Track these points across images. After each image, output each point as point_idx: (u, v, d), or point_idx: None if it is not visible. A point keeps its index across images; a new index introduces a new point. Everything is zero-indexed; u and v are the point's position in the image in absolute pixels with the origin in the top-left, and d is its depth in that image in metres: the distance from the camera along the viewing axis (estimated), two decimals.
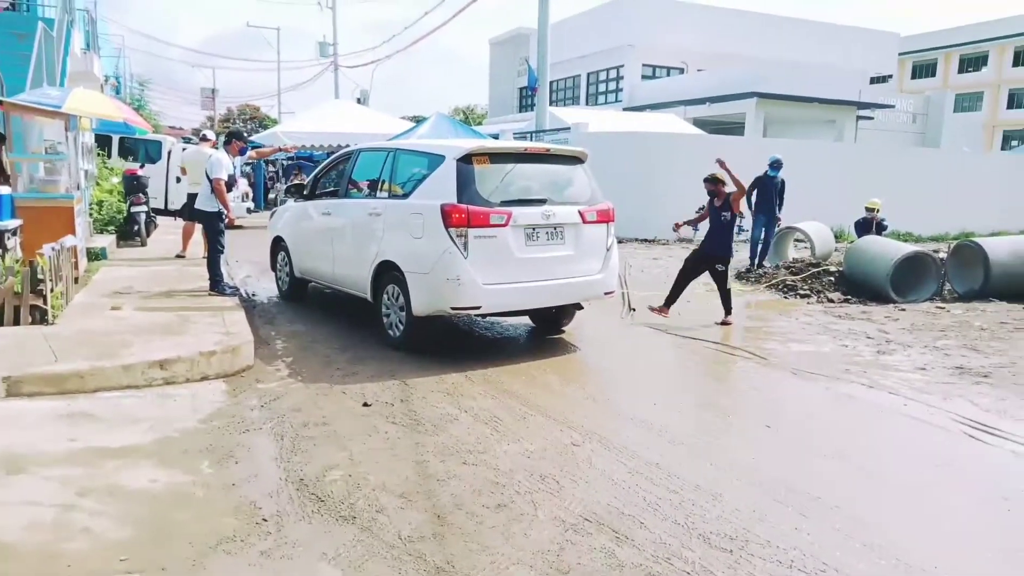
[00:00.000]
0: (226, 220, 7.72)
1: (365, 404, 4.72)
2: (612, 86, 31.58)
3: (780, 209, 11.40)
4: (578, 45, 31.72)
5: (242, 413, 4.53)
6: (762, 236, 11.37)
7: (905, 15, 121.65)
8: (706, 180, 8.22)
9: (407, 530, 3.11)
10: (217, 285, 7.59)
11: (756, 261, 11.37)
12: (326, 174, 7.97)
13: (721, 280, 7.82)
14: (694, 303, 8.98)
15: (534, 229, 5.92)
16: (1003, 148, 44.40)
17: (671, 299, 7.87)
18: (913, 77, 56.31)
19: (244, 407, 4.66)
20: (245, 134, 7.93)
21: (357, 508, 3.30)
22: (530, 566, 2.85)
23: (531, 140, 18.20)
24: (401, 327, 6.10)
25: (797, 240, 12.61)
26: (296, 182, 10.61)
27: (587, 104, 31.60)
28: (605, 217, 6.48)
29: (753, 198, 11.32)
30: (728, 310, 7.82)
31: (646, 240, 15.39)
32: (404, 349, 6.08)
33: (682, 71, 30.65)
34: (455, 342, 6.79)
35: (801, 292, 9.57)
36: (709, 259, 7.89)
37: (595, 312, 8.00)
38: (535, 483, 3.62)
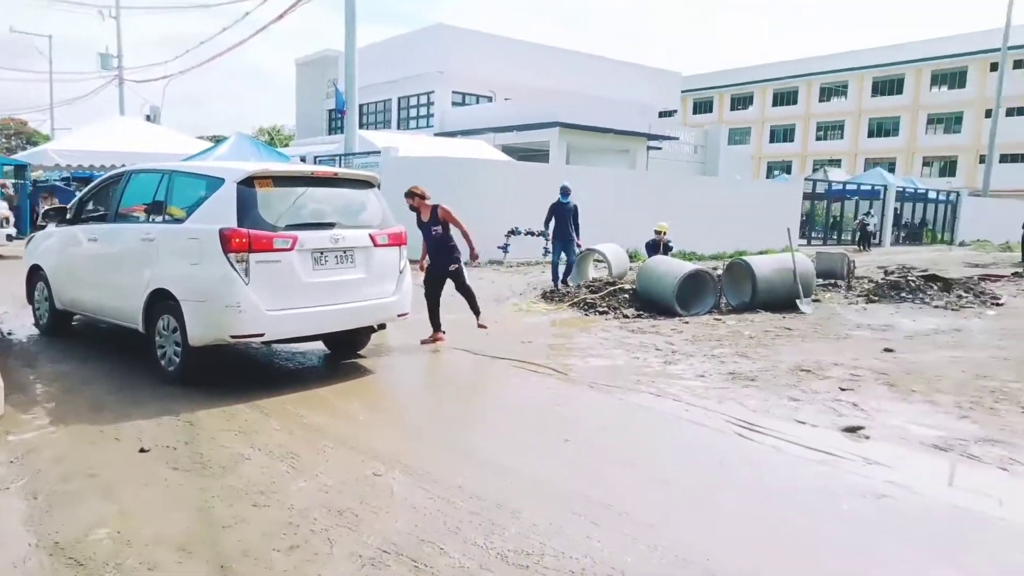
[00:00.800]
0: None
1: (142, 450, 4.27)
2: (423, 111, 31.90)
3: (577, 232, 12.03)
4: (389, 69, 31.74)
5: None
6: (562, 259, 11.96)
7: (687, 57, 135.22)
8: (406, 195, 8.19)
9: None
10: None
11: (560, 281, 11.92)
12: (93, 197, 7.24)
13: (459, 286, 8.18)
14: (503, 323, 9.22)
15: (322, 253, 5.87)
16: (768, 176, 50.66)
17: (434, 323, 7.95)
18: (694, 112, 62.78)
19: None
20: None
21: (125, 568, 2.96)
22: None
23: (340, 163, 17.84)
24: (178, 360, 5.73)
25: (596, 260, 13.41)
26: (54, 206, 9.49)
27: (399, 128, 31.64)
28: (397, 240, 6.59)
29: (551, 225, 11.92)
30: (476, 312, 8.33)
31: None
32: (183, 383, 5.68)
33: (490, 99, 31.71)
34: (247, 373, 6.40)
35: (600, 309, 10.16)
36: (441, 275, 8.09)
37: (399, 336, 7.93)
38: (332, 519, 3.46)
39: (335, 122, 34.96)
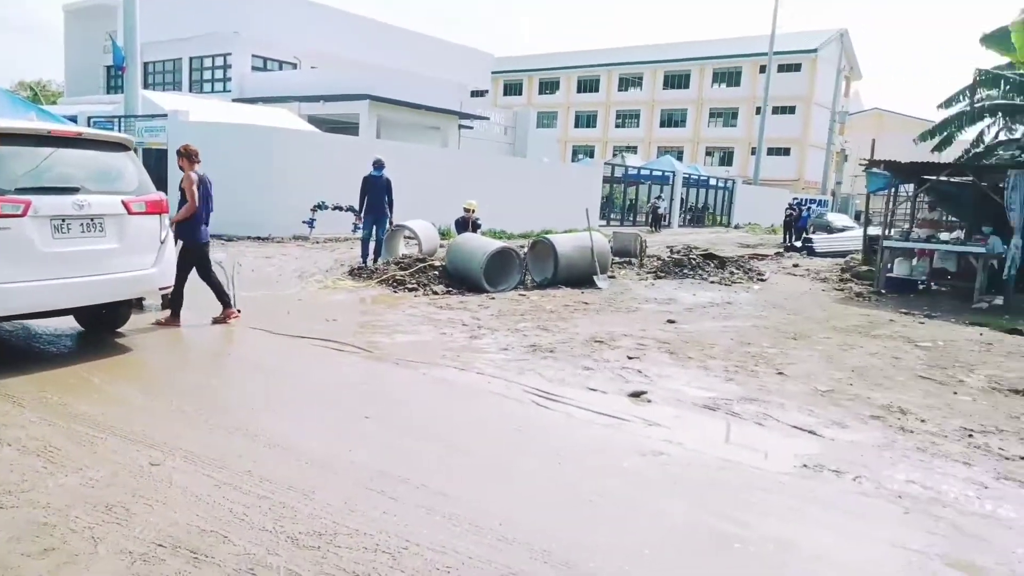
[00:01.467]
0: None
1: None
2: (220, 74, 29.55)
3: (390, 208, 11.84)
4: (179, 25, 29.01)
5: None
6: (373, 234, 11.71)
7: (499, 39, 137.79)
8: (177, 152, 7.27)
9: None
10: None
11: (373, 258, 11.66)
12: None
13: (200, 271, 7.21)
14: (306, 301, 8.86)
15: (64, 220, 5.36)
16: (573, 160, 53.23)
17: (221, 299, 7.29)
18: (505, 94, 64.18)
19: None
20: None
21: None
22: None
23: (120, 125, 16.08)
24: None
25: (407, 237, 13.31)
26: None
27: (191, 91, 29.06)
28: (157, 208, 6.13)
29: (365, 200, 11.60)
30: (223, 303, 7.31)
31: (260, 238, 14.74)
32: None
33: (295, 67, 30.12)
34: None
35: (409, 286, 10.11)
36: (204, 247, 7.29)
37: (193, 315, 7.35)
38: (98, 516, 3.13)
39: (114, 80, 31.28)
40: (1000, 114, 16.87)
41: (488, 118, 32.76)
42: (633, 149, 54.70)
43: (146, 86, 28.44)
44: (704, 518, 3.49)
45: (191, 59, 30.35)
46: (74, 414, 4.36)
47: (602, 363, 6.37)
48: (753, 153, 45.86)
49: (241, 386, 5.37)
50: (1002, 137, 17.62)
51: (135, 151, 6.28)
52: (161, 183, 15.53)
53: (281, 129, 17.25)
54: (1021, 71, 15.62)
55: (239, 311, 7.49)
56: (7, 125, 5.63)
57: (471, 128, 31.17)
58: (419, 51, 33.88)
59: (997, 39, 15.45)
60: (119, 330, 6.59)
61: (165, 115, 15.60)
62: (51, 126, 6.19)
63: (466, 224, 12.87)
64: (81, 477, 3.50)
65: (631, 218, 31.89)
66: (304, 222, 15.15)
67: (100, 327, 6.58)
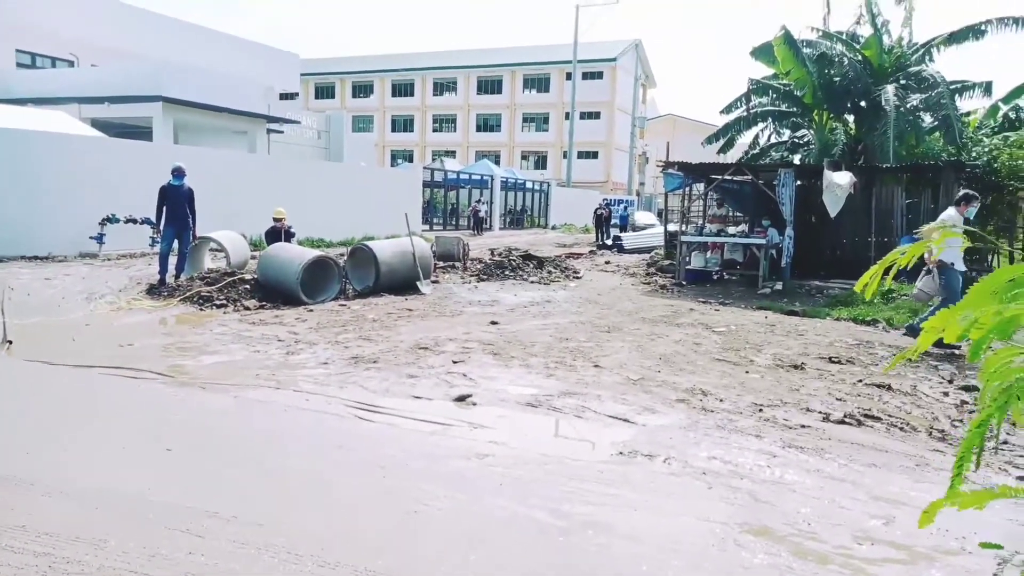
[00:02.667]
0: None
1: None
2: None
3: (193, 220, 10.93)
4: None
5: None
6: (174, 248, 10.76)
7: (305, 39, 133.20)
8: None
9: None
10: None
11: (175, 274, 10.68)
12: None
13: None
14: (95, 325, 7.97)
15: None
16: (392, 164, 52.75)
17: None
18: (316, 97, 62.24)
19: None
20: None
21: None
22: None
23: None
24: None
25: (213, 250, 12.42)
26: None
27: None
28: None
29: (163, 211, 10.61)
30: None
31: (37, 257, 13.00)
32: None
33: (72, 64, 27.05)
34: None
35: (217, 302, 9.42)
36: None
37: None
38: None
39: None
40: (770, 119, 19.03)
41: (299, 122, 31.47)
42: (452, 153, 55.37)
43: None
44: (528, 513, 3.55)
45: None
46: None
47: (427, 370, 6.32)
48: (565, 156, 48.15)
49: (14, 428, 4.68)
50: (774, 139, 19.90)
51: None
52: None
53: (55, 134, 15.36)
54: (784, 81, 17.69)
55: (10, 341, 6.55)
56: None
57: (281, 132, 29.78)
58: (219, 50, 31.80)
59: (764, 52, 17.37)
60: None
61: None
62: None
63: (278, 234, 12.22)
64: None
65: (453, 222, 32.19)
66: (92, 237, 13.61)
67: None
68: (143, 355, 6.68)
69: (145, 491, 3.65)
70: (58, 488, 3.64)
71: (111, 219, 13.80)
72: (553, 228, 36.67)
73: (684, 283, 13.37)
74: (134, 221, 13.90)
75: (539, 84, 57.36)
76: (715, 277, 14.03)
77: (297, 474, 4.01)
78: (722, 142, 19.25)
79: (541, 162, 57.50)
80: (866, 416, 5.25)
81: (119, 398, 5.43)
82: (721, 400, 5.63)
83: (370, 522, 3.43)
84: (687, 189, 15.97)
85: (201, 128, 25.48)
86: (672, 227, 17.53)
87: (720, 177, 14.77)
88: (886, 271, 1.87)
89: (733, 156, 19.20)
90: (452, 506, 3.62)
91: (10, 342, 6.81)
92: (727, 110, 19.17)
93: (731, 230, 14.68)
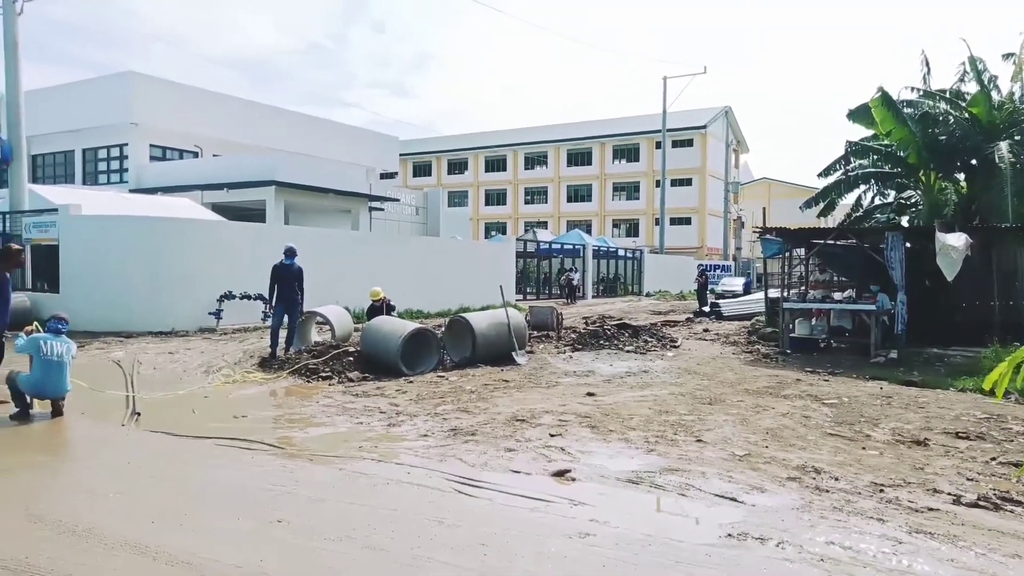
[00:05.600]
0: None
1: None
2: (116, 165, 28.66)
3: (301, 296, 11.52)
4: (70, 118, 28.15)
5: None
6: (284, 323, 11.33)
7: (403, 122, 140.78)
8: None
9: None
10: None
11: (284, 348, 11.22)
12: None
13: None
14: (213, 398, 8.43)
15: None
16: (486, 236, 54.09)
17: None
18: (414, 175, 65.24)
19: None
20: None
21: None
22: None
23: (5, 222, 15.25)
24: None
25: (319, 323, 12.99)
26: None
27: (85, 183, 28.00)
28: None
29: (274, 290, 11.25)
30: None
31: (162, 333, 14.01)
32: None
33: (197, 155, 29.61)
34: None
35: (323, 375, 9.80)
36: None
37: (92, 421, 6.86)
38: None
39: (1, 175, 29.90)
40: (873, 180, 18.39)
41: (398, 199, 33.02)
42: (544, 224, 56.19)
43: (36, 180, 27.32)
44: None
45: (84, 151, 29.39)
46: None
47: (524, 443, 6.29)
48: (657, 223, 48.00)
49: (140, 497, 4.96)
50: (877, 201, 19.17)
51: None
52: (52, 280, 14.74)
53: (180, 219, 16.74)
54: (884, 142, 17.14)
55: (139, 414, 7.01)
56: None
57: (382, 210, 31.27)
58: (324, 136, 34.08)
59: (861, 114, 16.97)
60: None
61: (55, 209, 14.89)
62: None
63: (379, 310, 12.69)
64: None
65: (546, 291, 32.43)
66: (211, 313, 14.57)
67: None
68: (255, 427, 6.98)
69: (256, 562, 3.77)
70: (180, 558, 3.81)
71: (228, 296, 14.74)
72: (647, 295, 36.29)
73: (788, 352, 12.84)
74: (248, 297, 14.80)
75: (628, 154, 57.97)
76: (822, 345, 13.41)
77: (397, 549, 4.03)
78: (822, 205, 18.72)
79: (632, 229, 57.48)
80: (1004, 499, 4.80)
81: (233, 469, 5.67)
82: (836, 479, 5.30)
83: None
84: (787, 254, 15.52)
85: (309, 208, 27.12)
86: (773, 293, 16.96)
87: (822, 242, 14.29)
88: (1017, 367, 1.77)
89: (834, 219, 18.60)
90: None
91: (138, 414, 7.29)
92: (825, 173, 18.71)
93: (837, 296, 14.07)
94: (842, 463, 5.71)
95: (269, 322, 12.35)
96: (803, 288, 15.52)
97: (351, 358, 10.46)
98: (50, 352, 6.98)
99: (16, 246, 8.24)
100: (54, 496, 5.04)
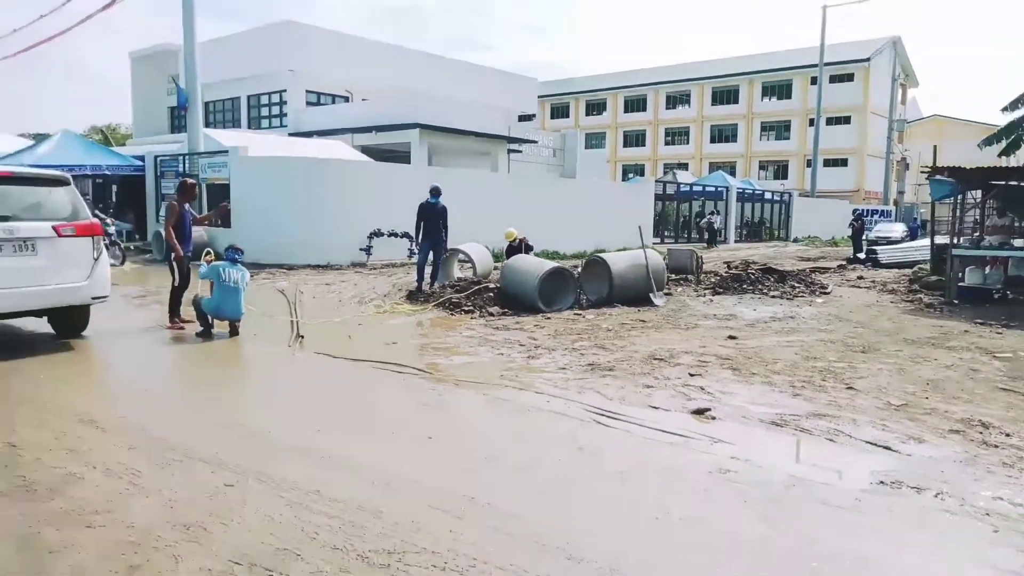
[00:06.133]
0: None
1: None
2: (276, 110, 30.58)
3: (445, 233, 11.95)
4: (236, 66, 30.20)
5: None
6: (429, 259, 11.84)
7: (541, 63, 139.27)
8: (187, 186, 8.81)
9: None
10: None
11: (429, 282, 11.76)
12: None
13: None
14: (366, 325, 9.02)
15: None
16: (623, 179, 53.07)
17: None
18: (552, 117, 64.62)
19: None
20: None
21: None
22: None
23: (184, 163, 16.78)
24: None
25: (461, 261, 13.45)
26: None
27: (249, 127, 30.14)
28: (87, 231, 7.22)
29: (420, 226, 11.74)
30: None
31: (319, 266, 15.09)
32: None
33: (347, 100, 30.94)
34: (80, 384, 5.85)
35: (465, 308, 10.19)
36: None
37: (262, 342, 7.58)
38: (178, 535, 3.23)
39: (178, 120, 32.70)
40: None
41: (536, 141, 32.99)
42: (684, 166, 54.27)
43: (207, 125, 29.65)
44: (776, 536, 3.39)
45: (248, 97, 31.53)
46: (153, 438, 4.52)
47: (663, 381, 6.28)
48: (808, 165, 44.95)
49: (308, 409, 5.47)
50: None
51: (71, 184, 7.46)
52: (225, 216, 16.18)
53: (335, 160, 17.72)
54: None
55: (303, 336, 7.65)
56: None
57: (520, 152, 31.42)
58: (465, 79, 34.44)
59: None
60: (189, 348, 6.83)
61: (226, 151, 16.21)
62: None
63: (516, 251, 12.92)
64: (161, 498, 3.62)
65: (685, 234, 31.54)
66: (361, 249, 15.46)
67: (68, 331, 7.68)
68: (405, 353, 7.43)
69: (411, 471, 4.08)
70: (343, 463, 4.20)
71: (377, 233, 15.56)
72: (794, 241, 34.35)
73: (956, 302, 11.80)
74: (395, 235, 15.55)
75: (779, 91, 54.26)
76: (995, 296, 12.21)
77: (541, 471, 4.22)
78: (1004, 143, 16.79)
79: (781, 171, 54.23)
80: None
81: (388, 389, 6.11)
82: (1008, 435, 4.90)
83: (613, 525, 3.50)
84: (959, 197, 14.09)
85: (450, 150, 27.75)
86: (941, 240, 15.53)
87: (1004, 183, 12.84)
88: None
89: (1018, 159, 16.61)
90: (694, 519, 3.57)
91: (302, 337, 7.97)
92: (1012, 106, 16.67)
93: (1017, 243, 12.67)
94: (1015, 419, 5.26)
95: (415, 258, 12.96)
96: (976, 234, 14.09)
97: (491, 294, 10.78)
98: (228, 278, 7.75)
99: (191, 181, 9.15)
100: (236, 405, 5.67)
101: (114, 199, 22.63)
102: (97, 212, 14.69)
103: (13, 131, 25.67)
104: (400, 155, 25.99)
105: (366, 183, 16.45)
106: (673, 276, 13.80)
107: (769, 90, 54.84)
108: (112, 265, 13.55)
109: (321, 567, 2.97)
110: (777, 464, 4.37)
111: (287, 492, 3.72)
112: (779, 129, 54.61)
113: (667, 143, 60.30)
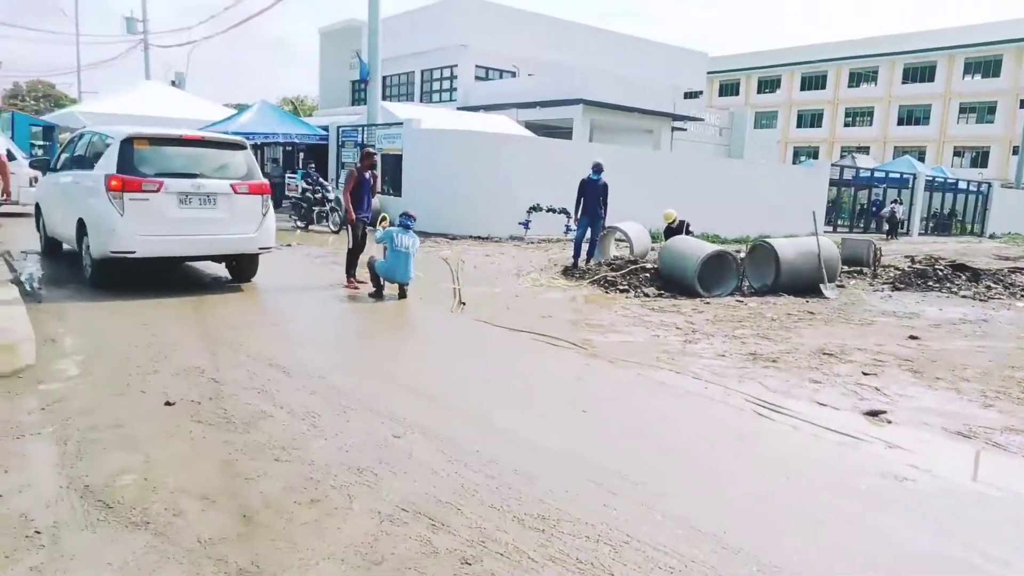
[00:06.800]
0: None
1: (167, 403, 4.34)
2: (447, 85, 31.66)
3: (604, 211, 11.88)
4: (412, 41, 31.53)
5: (17, 417, 4.00)
6: (587, 235, 11.84)
7: (712, 37, 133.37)
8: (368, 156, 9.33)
9: (208, 532, 2.89)
10: None
11: (586, 259, 11.79)
12: (64, 151, 9.47)
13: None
14: (523, 297, 9.21)
15: (186, 195, 7.60)
16: (794, 161, 49.98)
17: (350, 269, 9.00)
18: (720, 94, 61.89)
19: (20, 411, 4.11)
20: None
21: (151, 513, 3.02)
22: (342, 559, 2.76)
23: (363, 133, 17.83)
24: (90, 269, 7.74)
25: (618, 239, 13.33)
26: (39, 157, 13.86)
27: (422, 101, 31.44)
28: (259, 190, 8.15)
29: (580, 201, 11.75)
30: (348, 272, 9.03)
31: (480, 238, 15.58)
32: (92, 286, 7.68)
33: (514, 75, 31.39)
34: (273, 331, 6.46)
35: (621, 287, 10.12)
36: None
37: (427, 305, 7.97)
38: (352, 477, 3.50)
39: (358, 93, 34.83)
40: None
41: (702, 119, 31.83)
42: (864, 149, 50.15)
43: (384, 98, 31.27)
44: (955, 551, 3.11)
45: (422, 72, 32.86)
46: (331, 386, 4.92)
47: (832, 377, 5.91)
48: (1015, 153, 39.93)
49: (470, 372, 5.71)
50: None
51: (247, 149, 8.47)
52: (396, 185, 17.09)
53: (499, 134, 18.10)
54: None
55: (464, 303, 7.95)
56: (156, 132, 8.18)
57: (684, 130, 30.49)
58: (631, 53, 33.76)
59: None
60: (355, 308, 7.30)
61: (401, 123, 17.05)
62: (181, 132, 8.52)
63: (675, 232, 12.59)
64: (338, 442, 3.94)
65: (860, 224, 29.24)
66: (520, 223, 15.75)
67: (238, 275, 8.75)
68: (559, 327, 7.52)
69: (566, 442, 4.15)
70: (501, 428, 4.35)
71: (536, 208, 15.77)
72: (991, 237, 30.75)
73: None
74: (553, 210, 15.68)
75: (985, 68, 48.45)
76: None
77: (695, 456, 4.13)
78: None
79: (980, 159, 48.64)
80: None
81: (543, 361, 6.22)
82: None
83: (772, 520, 3.37)
84: None
85: (613, 127, 27.44)
86: None
87: None
88: None
89: None
90: (864, 525, 3.36)
91: (464, 304, 8.30)
92: None
93: None
94: None
95: (570, 235, 13.01)
96: None
97: (647, 274, 10.62)
98: (399, 244, 8.20)
99: (371, 149, 9.82)
100: (403, 363, 6.02)
101: (300, 165, 24.58)
102: (320, 180, 16.07)
103: (218, 101, 28.51)
104: (562, 131, 26.06)
105: (527, 158, 16.68)
106: (846, 267, 12.86)
107: (973, 67, 49.17)
108: (332, 231, 14.72)
109: (479, 523, 3.11)
110: (962, 477, 4.00)
111: (449, 449, 3.91)
112: (981, 111, 48.90)
113: (846, 124, 55.90)
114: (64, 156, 9.33)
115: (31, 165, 11.72)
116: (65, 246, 9.26)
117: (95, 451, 3.62)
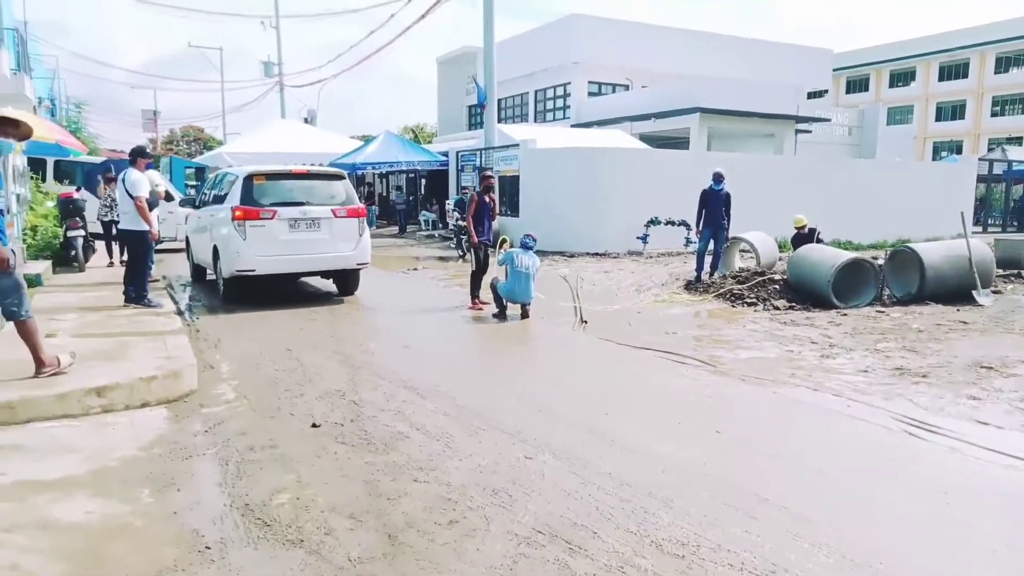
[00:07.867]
0: (152, 238, 8.34)
1: (314, 425, 4.62)
2: (560, 103, 31.91)
3: (727, 221, 11.52)
4: (525, 63, 32.05)
5: (185, 439, 4.39)
6: (709, 247, 11.52)
7: (837, 31, 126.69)
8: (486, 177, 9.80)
9: (357, 551, 3.04)
10: (143, 299, 8.17)
11: (709, 272, 11.47)
12: (204, 189, 11.35)
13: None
14: (644, 314, 9.09)
15: (295, 221, 8.98)
16: (933, 158, 46.39)
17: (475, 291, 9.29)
18: (848, 92, 58.57)
19: (187, 433, 4.51)
20: (148, 150, 9.15)
21: (305, 531, 3.22)
22: None
23: (481, 157, 18.28)
24: (222, 287, 9.19)
25: (743, 250, 12.87)
26: (188, 196, 15.29)
27: (536, 121, 31.85)
28: (355, 214, 9.46)
29: (701, 213, 11.46)
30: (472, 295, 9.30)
31: (596, 254, 15.51)
32: (226, 302, 9.12)
33: (627, 88, 31.17)
34: (404, 351, 6.72)
35: (748, 300, 9.76)
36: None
37: (549, 324, 8.04)
38: (487, 498, 3.58)
39: (475, 117, 35.77)
40: None
41: (828, 119, 30.25)
42: (1016, 140, 45.80)
43: (500, 120, 31.99)
44: None
45: (536, 92, 33.31)
46: (461, 406, 5.06)
47: (993, 393, 5.42)
48: None
49: (595, 391, 5.69)
50: None
51: (345, 179, 9.80)
52: (514, 206, 17.37)
53: (611, 149, 18.00)
54: None
55: (586, 321, 7.95)
56: (271, 169, 9.64)
57: (809, 132, 29.08)
58: (748, 56, 32.62)
59: None
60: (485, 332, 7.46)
61: (517, 144, 17.35)
62: (291, 167, 9.98)
63: (805, 240, 11.99)
64: (472, 462, 4.04)
65: (1014, 223, 26.68)
66: (638, 237, 15.56)
67: (342, 289, 10.09)
68: (685, 343, 7.35)
69: (700, 464, 4.04)
70: (631, 448, 4.30)
71: (654, 221, 15.53)
72: None
73: None
74: (672, 223, 15.38)
75: None
76: None
77: (842, 478, 3.91)
78: None
79: None
80: None
81: (670, 379, 6.09)
82: None
83: (933, 550, 3.13)
84: None
85: (731, 134, 26.62)
86: None
87: None
88: None
89: None
90: None
91: (585, 322, 8.30)
92: None
93: None
94: None
95: (691, 247, 12.69)
96: None
97: (776, 286, 10.18)
98: (520, 264, 8.33)
99: (488, 172, 10.24)
100: (529, 382, 6.08)
101: (422, 192, 25.50)
102: (454, 210, 17.05)
103: (346, 133, 30.19)
104: (678, 141, 25.58)
105: (641, 170, 16.47)
106: (1001, 272, 11.77)
107: None
108: (460, 256, 15.24)
109: (617, 548, 3.09)
110: None
111: (581, 470, 3.92)
112: None
113: (994, 114, 51.26)
114: (204, 194, 11.01)
115: (180, 204, 13.55)
116: (209, 274, 10.49)
117: (253, 470, 3.91)
